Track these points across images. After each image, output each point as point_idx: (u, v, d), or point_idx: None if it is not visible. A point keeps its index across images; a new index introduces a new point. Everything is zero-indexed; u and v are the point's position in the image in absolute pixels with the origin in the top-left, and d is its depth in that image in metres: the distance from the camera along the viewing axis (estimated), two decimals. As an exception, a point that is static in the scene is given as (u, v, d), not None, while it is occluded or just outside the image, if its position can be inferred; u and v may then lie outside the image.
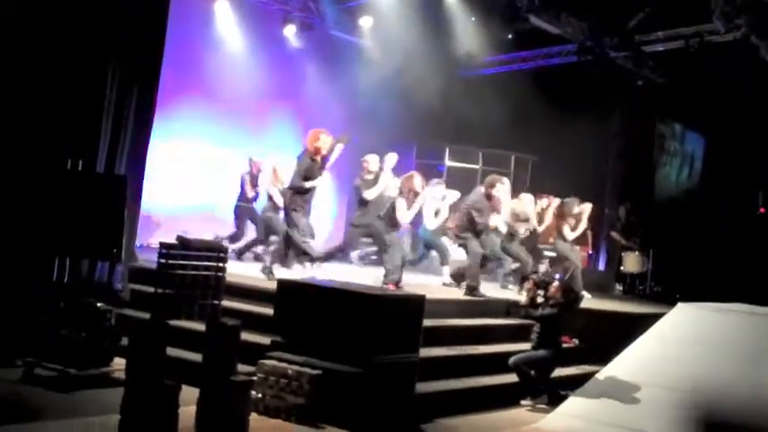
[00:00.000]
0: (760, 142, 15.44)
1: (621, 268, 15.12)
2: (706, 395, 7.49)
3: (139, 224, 9.60)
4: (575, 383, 8.50)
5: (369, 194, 9.91)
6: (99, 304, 7.26)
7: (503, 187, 10.70)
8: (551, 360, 8.37)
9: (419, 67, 14.41)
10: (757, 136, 15.45)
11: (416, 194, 9.75)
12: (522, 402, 8.18)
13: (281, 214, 10.44)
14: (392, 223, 9.68)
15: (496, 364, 8.32)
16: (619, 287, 15.09)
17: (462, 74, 16.09)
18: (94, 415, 6.12)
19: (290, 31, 13.78)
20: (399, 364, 6.91)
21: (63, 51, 8.12)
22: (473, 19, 13.95)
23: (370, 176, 10.12)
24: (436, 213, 10.80)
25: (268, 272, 9.35)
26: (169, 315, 7.58)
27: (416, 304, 7.35)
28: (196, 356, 6.42)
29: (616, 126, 16.60)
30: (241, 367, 6.29)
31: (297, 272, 9.48)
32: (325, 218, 13.92)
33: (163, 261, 8.15)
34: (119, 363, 6.91)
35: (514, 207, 11.48)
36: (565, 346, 9.02)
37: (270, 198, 11.29)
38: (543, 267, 12.22)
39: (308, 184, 9.43)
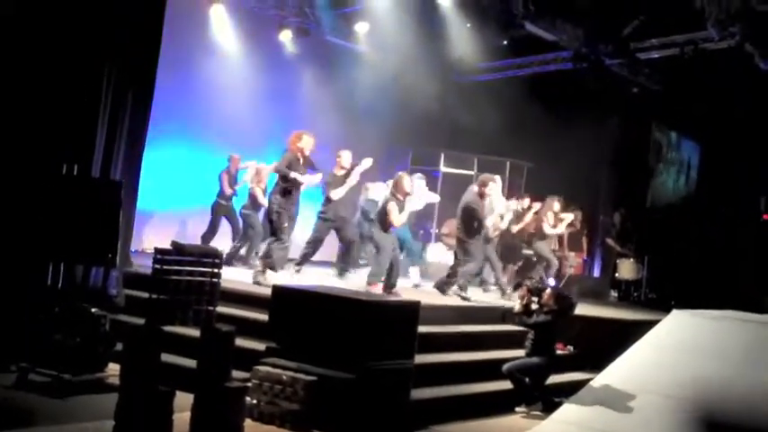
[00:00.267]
0: (756, 149, 15.48)
1: (616, 275, 15.11)
2: (701, 402, 7.48)
3: (134, 229, 9.57)
4: (569, 390, 8.48)
5: (335, 194, 9.99)
6: (93, 309, 7.24)
7: (495, 186, 10.70)
8: (546, 367, 8.36)
9: (415, 73, 14.46)
10: (752, 143, 15.49)
11: (406, 195, 9.77)
12: (517, 409, 8.17)
13: (261, 212, 10.42)
14: (384, 227, 9.69)
15: (491, 370, 8.31)
16: (614, 294, 15.08)
17: (458, 80, 16.09)
18: (89, 420, 6.11)
19: (285, 36, 13.81)
20: (394, 370, 6.91)
21: (59, 55, 8.11)
22: (468, 25, 13.95)
23: (342, 172, 10.14)
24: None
25: (261, 277, 9.31)
26: (164, 321, 7.57)
27: (411, 310, 7.35)
28: (190, 362, 6.42)
29: (611, 133, 16.65)
30: (236, 373, 6.29)
31: (284, 276, 9.47)
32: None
33: (158, 266, 8.13)
34: (113, 368, 6.90)
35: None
36: (559, 353, 9.01)
37: (251, 197, 11.24)
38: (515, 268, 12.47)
39: (292, 174, 9.40)
